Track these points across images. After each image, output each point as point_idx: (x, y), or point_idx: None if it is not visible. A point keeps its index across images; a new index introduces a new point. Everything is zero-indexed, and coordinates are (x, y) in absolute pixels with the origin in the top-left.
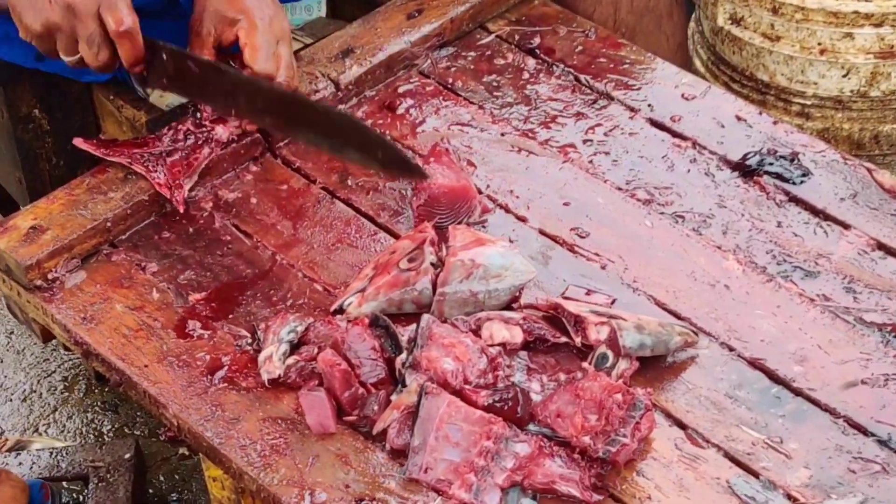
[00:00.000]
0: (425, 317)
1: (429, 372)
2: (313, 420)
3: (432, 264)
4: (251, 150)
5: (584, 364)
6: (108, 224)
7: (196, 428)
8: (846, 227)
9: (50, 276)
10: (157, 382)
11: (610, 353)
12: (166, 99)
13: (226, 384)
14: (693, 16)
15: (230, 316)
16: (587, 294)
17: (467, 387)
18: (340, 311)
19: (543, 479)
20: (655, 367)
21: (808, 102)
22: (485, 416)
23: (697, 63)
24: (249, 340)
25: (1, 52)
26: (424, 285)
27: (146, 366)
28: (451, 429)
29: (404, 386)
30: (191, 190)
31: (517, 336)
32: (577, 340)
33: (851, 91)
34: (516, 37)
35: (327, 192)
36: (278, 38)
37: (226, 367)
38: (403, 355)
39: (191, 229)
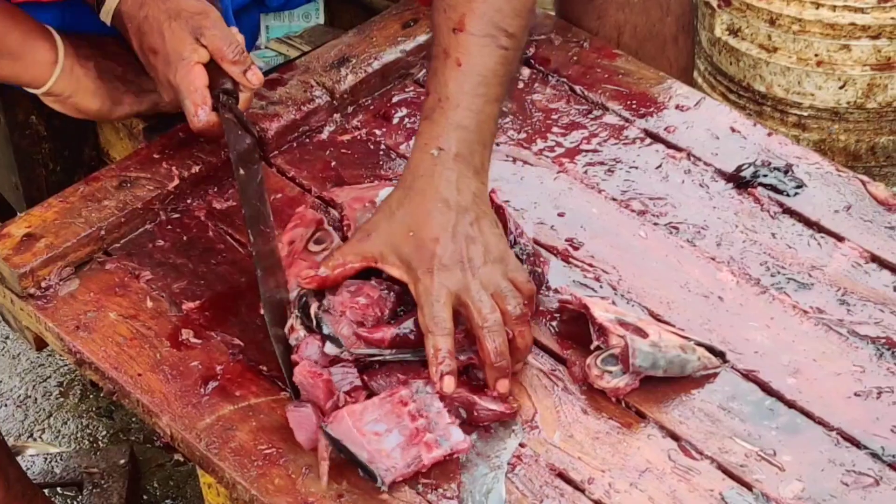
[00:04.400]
0: None
1: (344, 314)
2: (302, 437)
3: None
4: None
5: (588, 360)
6: (102, 232)
7: (189, 437)
8: (840, 239)
9: (43, 285)
10: (151, 392)
11: (619, 365)
12: None
13: (219, 393)
14: None
15: (224, 325)
16: None
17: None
18: None
19: (465, 402)
20: (650, 377)
21: (805, 114)
22: (382, 397)
23: (695, 74)
24: (243, 349)
25: None
26: None
27: (140, 375)
28: (371, 427)
29: (326, 334)
30: (184, 199)
31: None
32: (594, 344)
33: (848, 102)
34: None
35: (322, 202)
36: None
37: (219, 377)
38: (314, 305)
39: (185, 238)
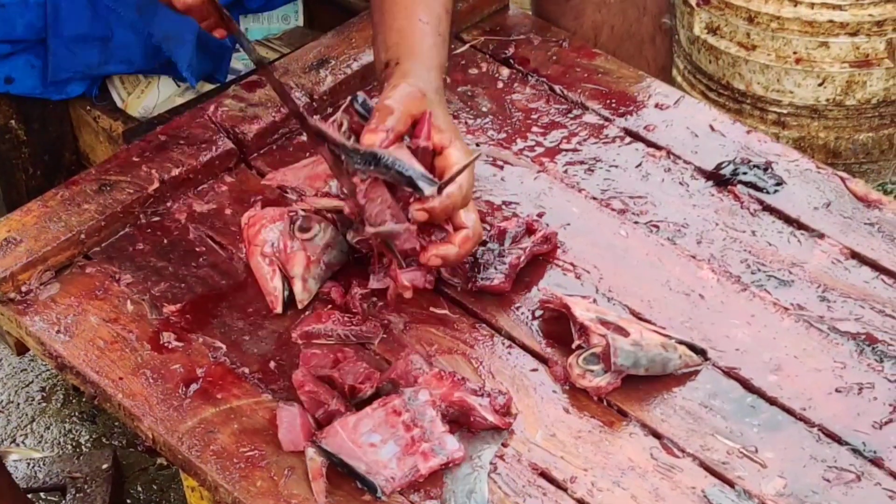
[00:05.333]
0: None
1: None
2: (284, 436)
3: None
4: (225, 162)
5: (570, 359)
6: (82, 236)
7: (171, 440)
8: (820, 235)
9: (24, 289)
10: (132, 395)
11: (600, 364)
12: (140, 103)
13: (201, 396)
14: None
15: (205, 327)
16: None
17: None
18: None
19: (462, 406)
20: (631, 376)
21: (785, 111)
22: (374, 407)
23: (674, 72)
24: (225, 352)
25: None
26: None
27: (121, 378)
28: (366, 438)
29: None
30: (164, 202)
31: None
32: (576, 343)
33: (827, 100)
34: (491, 46)
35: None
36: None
37: (201, 379)
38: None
39: (165, 241)
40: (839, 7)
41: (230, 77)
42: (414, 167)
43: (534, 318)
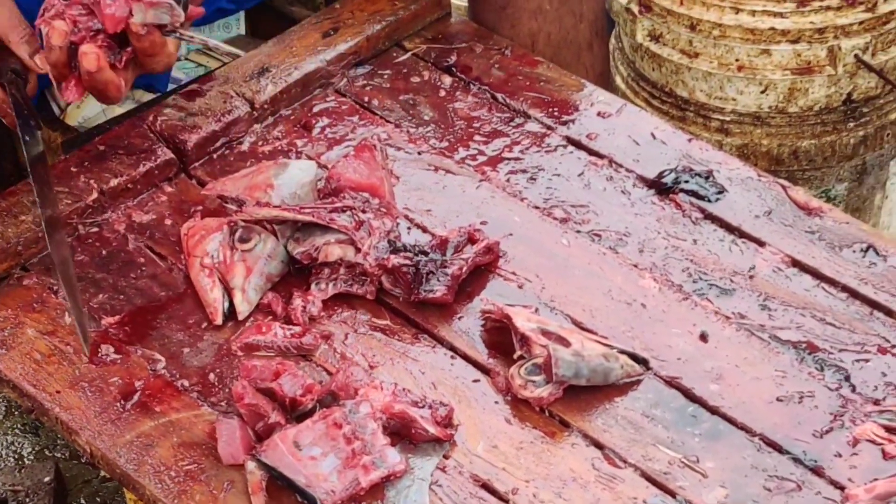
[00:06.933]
0: None
1: None
2: (224, 450)
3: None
4: (165, 171)
5: (512, 369)
6: (20, 247)
7: (109, 454)
8: (761, 244)
9: None
10: (70, 409)
11: (542, 374)
12: (80, 113)
13: (139, 409)
14: (613, 32)
15: (144, 340)
16: None
17: None
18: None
19: (404, 418)
20: (573, 386)
21: (727, 118)
22: (315, 420)
23: (618, 80)
24: (164, 364)
25: None
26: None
27: (58, 392)
28: (306, 451)
29: None
30: (103, 212)
31: None
32: (517, 353)
33: (769, 107)
34: (433, 55)
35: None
36: None
37: (139, 392)
38: None
39: (104, 252)
40: (780, 14)
41: (170, 86)
42: None
43: (476, 328)
